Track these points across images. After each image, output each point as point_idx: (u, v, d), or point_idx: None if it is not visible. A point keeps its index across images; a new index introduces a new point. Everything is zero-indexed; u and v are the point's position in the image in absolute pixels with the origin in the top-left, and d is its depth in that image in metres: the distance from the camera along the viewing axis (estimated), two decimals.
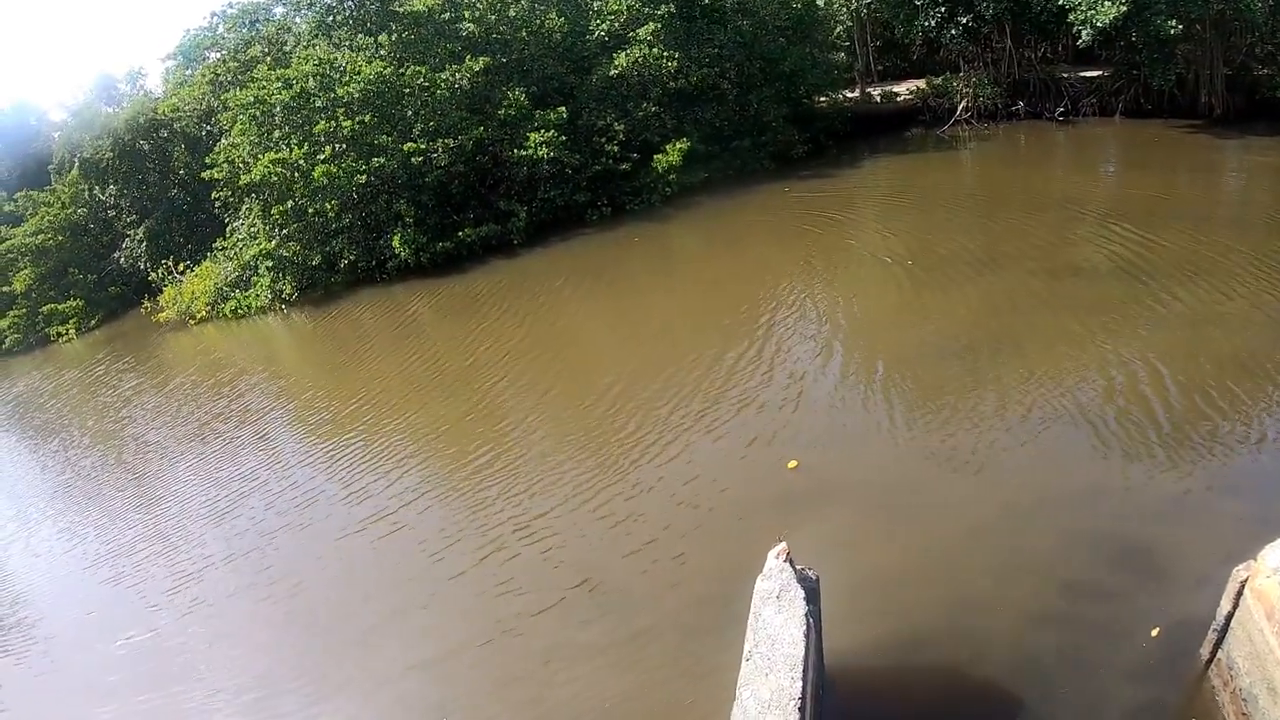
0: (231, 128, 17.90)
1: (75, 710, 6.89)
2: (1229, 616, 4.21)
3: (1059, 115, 20.72)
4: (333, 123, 16.29)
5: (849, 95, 21.35)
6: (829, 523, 6.68)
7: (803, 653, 3.63)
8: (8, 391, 18.82)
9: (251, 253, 17.58)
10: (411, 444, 9.87)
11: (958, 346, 9.06)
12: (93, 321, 21.49)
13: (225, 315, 17.68)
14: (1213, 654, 4.44)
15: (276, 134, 16.96)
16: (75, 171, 22.06)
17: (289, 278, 17.12)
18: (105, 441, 13.20)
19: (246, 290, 17.71)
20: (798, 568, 4.22)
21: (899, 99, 21.38)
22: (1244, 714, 4.09)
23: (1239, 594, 4.08)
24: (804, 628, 3.76)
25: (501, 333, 12.72)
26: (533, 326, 12.77)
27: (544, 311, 13.33)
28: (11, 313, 22.78)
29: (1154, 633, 4.85)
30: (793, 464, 7.24)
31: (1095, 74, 19.96)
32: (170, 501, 10.16)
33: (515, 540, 7.40)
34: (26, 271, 22.60)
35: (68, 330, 21.36)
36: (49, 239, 22.46)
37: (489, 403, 10.49)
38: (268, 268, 17.32)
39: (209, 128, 20.66)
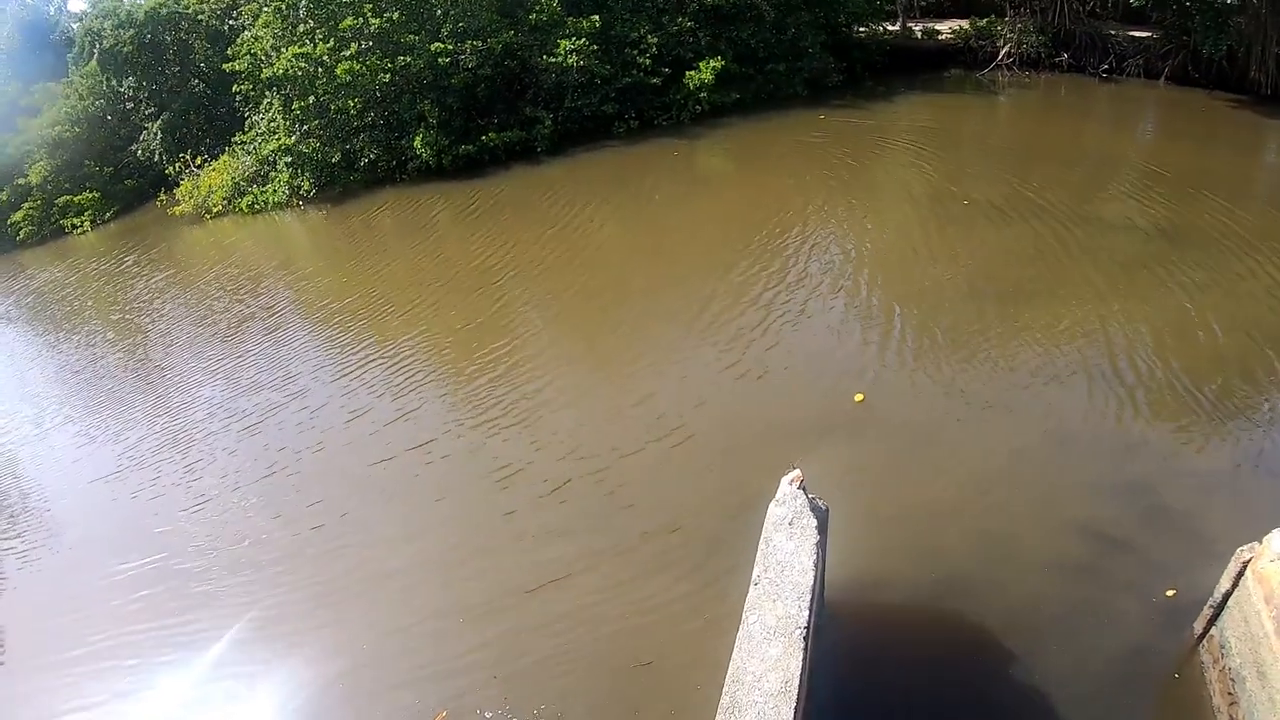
0: (255, 20, 17.45)
1: (87, 607, 7.00)
2: (1227, 595, 4.21)
3: (1102, 72, 20.04)
4: (359, 19, 15.85)
5: (889, 28, 20.64)
6: (838, 454, 6.56)
7: (811, 581, 3.61)
8: (24, 284, 18.73)
9: (270, 148, 17.28)
10: (423, 343, 9.95)
11: (980, 288, 8.88)
12: (108, 214, 21.28)
13: (241, 210, 17.45)
14: (1206, 629, 4.45)
15: (301, 28, 16.53)
16: (94, 63, 21.59)
17: (307, 174, 16.85)
18: (119, 337, 13.15)
19: (264, 186, 17.45)
20: (809, 496, 4.19)
21: (940, 37, 20.70)
22: (1230, 693, 4.10)
23: (1240, 574, 4.07)
24: (814, 557, 3.74)
25: (519, 238, 12.57)
26: (551, 233, 12.60)
27: (563, 220, 13.13)
28: (26, 205, 22.55)
29: (1169, 593, 4.87)
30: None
31: (1144, 34, 19.27)
32: (181, 397, 10.30)
33: (520, 443, 7.49)
34: (42, 164, 22.31)
35: (82, 222, 21.20)
36: (66, 131, 22.14)
37: (503, 304, 10.47)
38: (286, 163, 17.05)
39: (231, 21, 20.18)
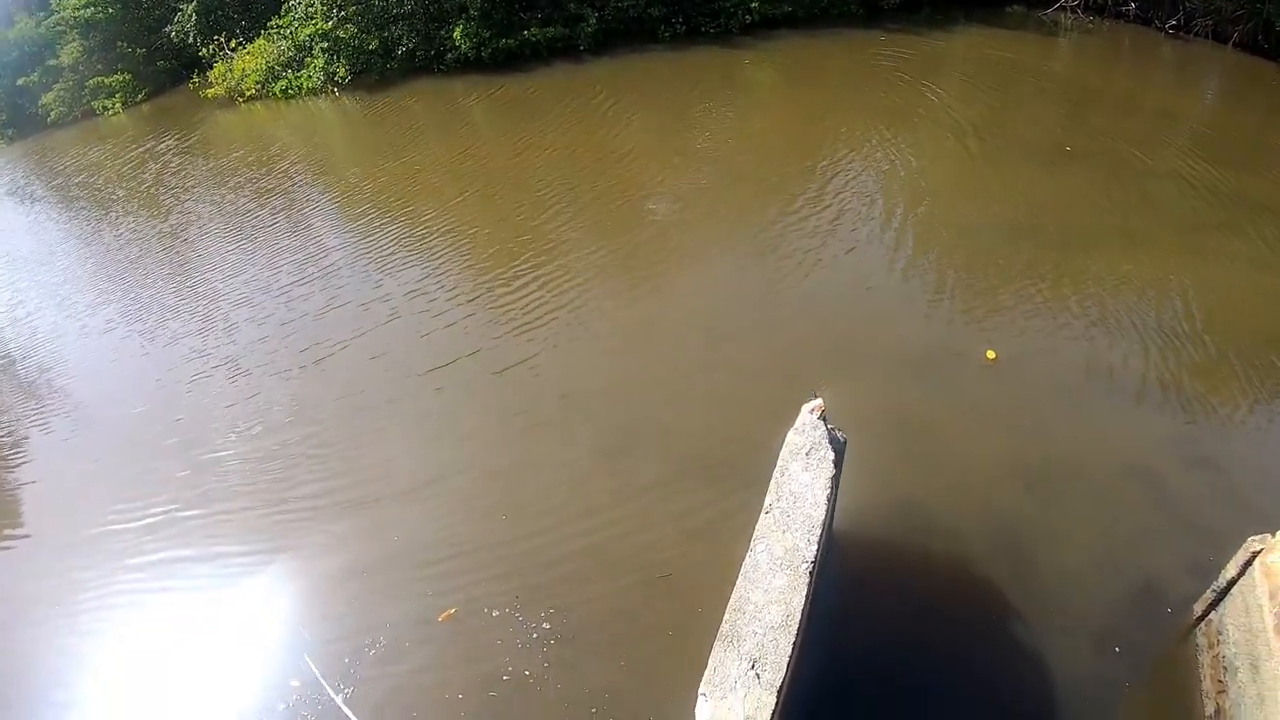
0: None
1: (116, 488, 6.96)
2: (1232, 582, 4.05)
3: (1169, 27, 19.05)
4: None
5: None
6: (854, 387, 6.29)
7: (823, 515, 3.47)
8: (55, 165, 18.57)
9: (307, 32, 16.89)
10: (449, 234, 9.92)
11: (1019, 232, 8.43)
12: (139, 96, 21.04)
13: (275, 95, 17.16)
14: (1205, 613, 4.31)
15: None
16: None
17: (343, 60, 16.48)
18: (150, 220, 13.02)
19: (298, 71, 17.12)
20: (829, 427, 3.98)
21: None
22: (1220, 680, 3.98)
23: (1248, 564, 3.91)
24: (828, 490, 3.58)
25: (554, 136, 12.26)
26: (587, 133, 12.28)
27: (600, 120, 12.78)
28: (57, 86, 22.36)
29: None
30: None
31: None
32: (211, 282, 10.25)
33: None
34: (75, 45, 22.02)
35: (114, 104, 20.98)
36: (98, 12, 21.72)
37: (533, 201, 10.30)
38: (322, 49, 16.67)
39: None
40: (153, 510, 6.50)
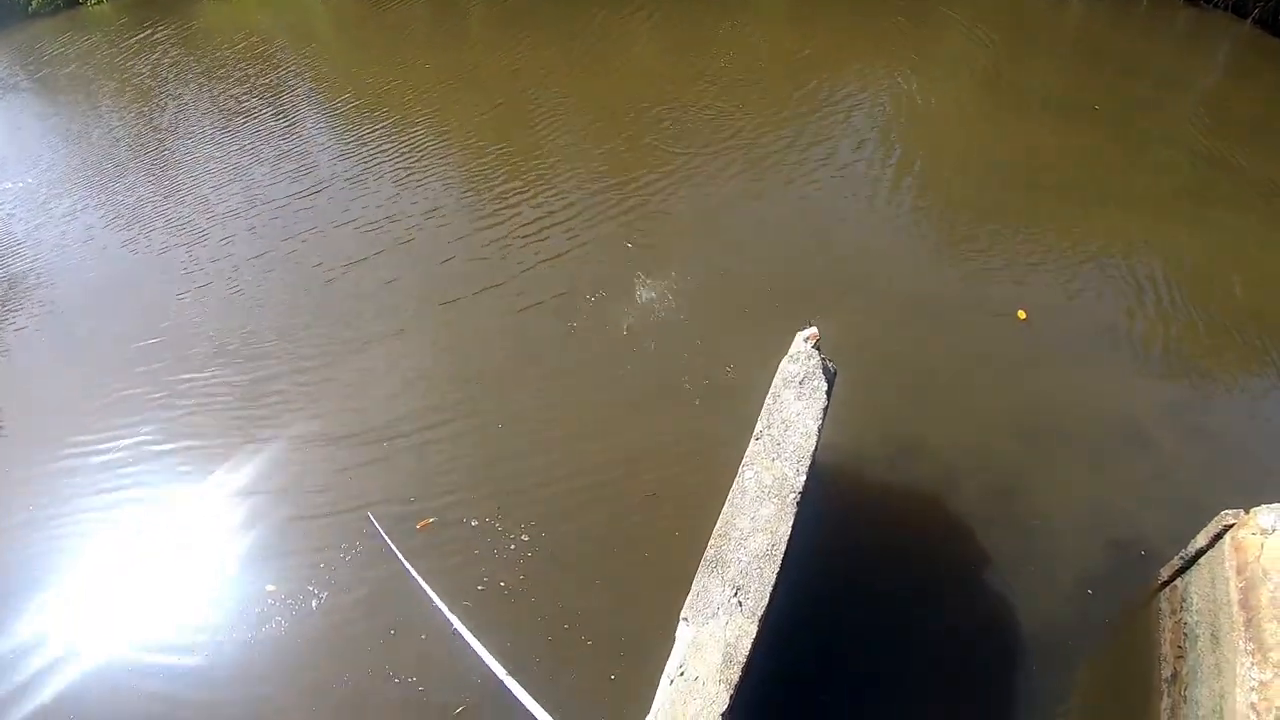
0: None
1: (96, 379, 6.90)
2: (1200, 552, 4.08)
3: None
4: None
5: None
6: (847, 320, 6.25)
7: (813, 446, 3.43)
8: (35, 56, 17.75)
9: None
10: (436, 138, 9.73)
11: (1025, 179, 8.34)
12: None
13: None
14: (1171, 579, 4.34)
15: None
16: None
17: None
18: (133, 113, 12.56)
19: None
20: (821, 357, 3.92)
21: None
22: (1180, 646, 4.02)
23: (1218, 536, 3.93)
24: (820, 421, 3.54)
25: (552, 46, 11.93)
26: (586, 46, 11.96)
27: (602, 34, 12.41)
28: None
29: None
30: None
31: None
32: (189, 174, 10.08)
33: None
34: None
35: None
36: None
37: (523, 108, 10.14)
38: None
39: None
40: (122, 437, 6.41)
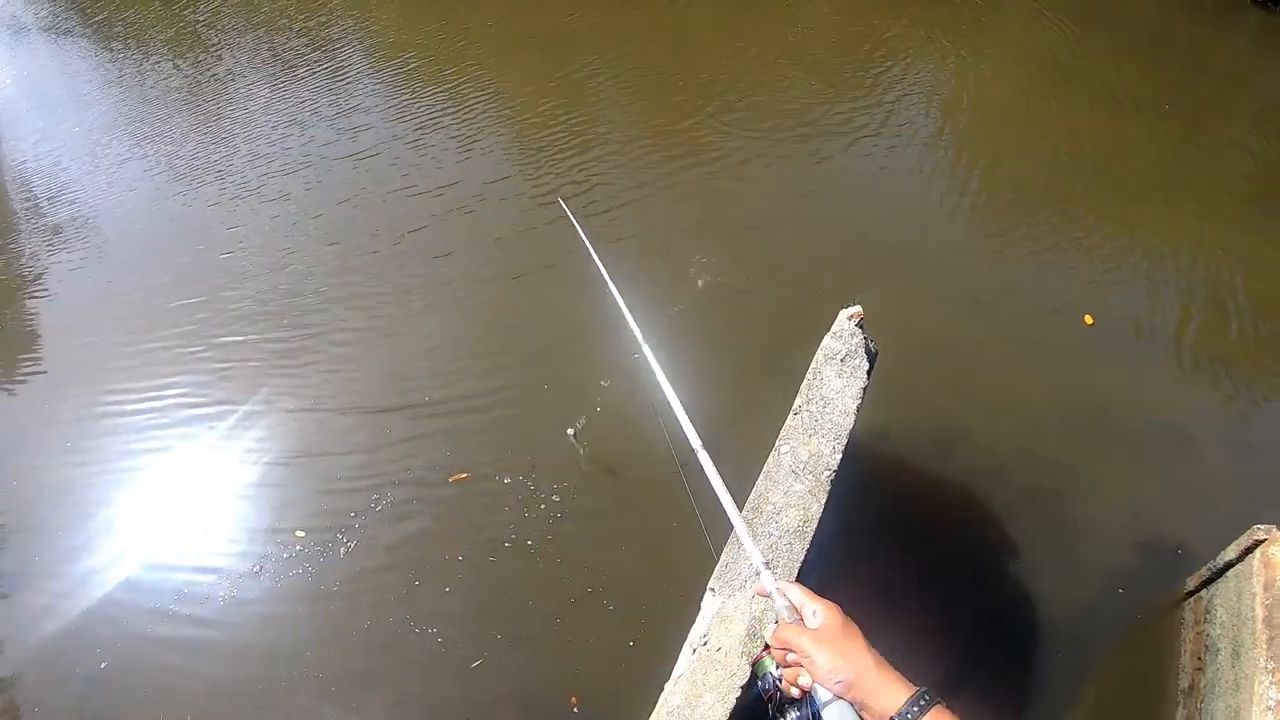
0: None
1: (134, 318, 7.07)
2: (1229, 564, 4.04)
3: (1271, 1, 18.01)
4: None
5: None
6: (896, 302, 6.23)
7: (850, 425, 3.40)
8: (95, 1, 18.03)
9: None
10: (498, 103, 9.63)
11: (1094, 175, 8.13)
12: None
13: None
14: (1197, 589, 4.31)
15: None
16: None
17: None
18: (188, 65, 12.52)
19: None
20: (865, 336, 3.86)
21: None
22: (1200, 658, 4.02)
23: (1248, 550, 3.90)
24: (859, 401, 3.50)
25: (607, 8, 11.62)
26: (642, 9, 11.65)
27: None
28: None
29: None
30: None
31: None
32: (243, 127, 10.07)
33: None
34: None
35: None
36: None
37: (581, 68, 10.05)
38: None
39: None
40: (160, 389, 6.56)
